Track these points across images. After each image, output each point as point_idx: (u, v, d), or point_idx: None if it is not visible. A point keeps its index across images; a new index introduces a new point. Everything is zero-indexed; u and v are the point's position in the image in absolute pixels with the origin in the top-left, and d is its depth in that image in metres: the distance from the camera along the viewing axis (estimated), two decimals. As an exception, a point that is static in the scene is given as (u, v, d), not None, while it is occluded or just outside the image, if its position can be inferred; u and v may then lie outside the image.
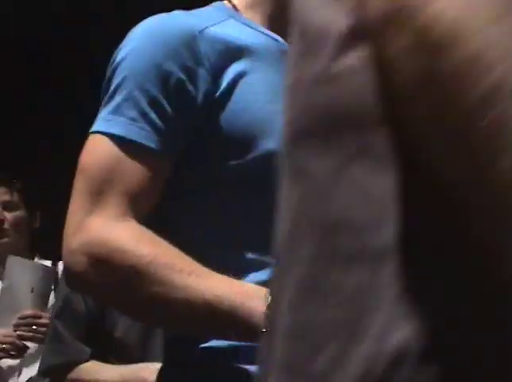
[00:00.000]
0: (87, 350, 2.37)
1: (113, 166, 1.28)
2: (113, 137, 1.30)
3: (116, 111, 1.31)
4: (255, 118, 1.33)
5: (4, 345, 2.87)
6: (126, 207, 1.26)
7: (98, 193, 1.27)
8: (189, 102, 1.31)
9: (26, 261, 2.99)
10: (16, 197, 3.35)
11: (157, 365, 1.54)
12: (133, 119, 1.29)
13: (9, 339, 2.87)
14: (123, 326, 2.33)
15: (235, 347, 1.27)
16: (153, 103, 1.30)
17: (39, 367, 2.56)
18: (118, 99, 1.32)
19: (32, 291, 2.87)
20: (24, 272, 2.87)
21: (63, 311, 2.41)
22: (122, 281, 1.22)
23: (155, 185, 1.30)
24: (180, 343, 1.34)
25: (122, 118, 1.30)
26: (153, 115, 1.30)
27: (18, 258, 2.98)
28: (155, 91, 1.30)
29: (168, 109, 1.30)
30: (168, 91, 1.31)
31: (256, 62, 1.37)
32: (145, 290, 1.21)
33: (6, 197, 3.25)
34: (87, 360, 2.38)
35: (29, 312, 2.90)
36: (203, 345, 1.30)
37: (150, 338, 2.31)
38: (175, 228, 1.35)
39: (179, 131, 1.32)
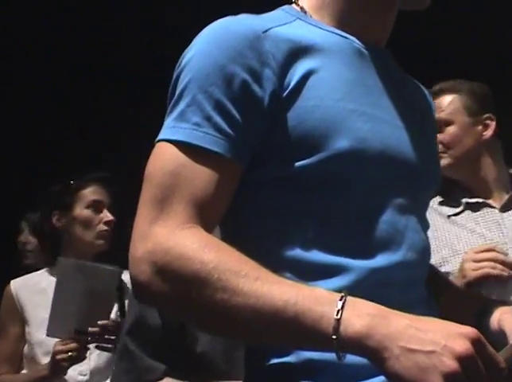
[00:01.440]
0: (161, 368, 2.22)
1: (178, 173, 1.24)
2: (177, 143, 1.26)
3: (180, 117, 1.28)
4: (326, 117, 1.28)
5: (69, 353, 2.79)
6: (191, 214, 1.23)
7: (164, 201, 1.23)
8: (255, 103, 1.27)
9: (79, 262, 2.85)
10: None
11: None
12: (197, 124, 1.26)
13: (73, 345, 2.79)
14: (206, 340, 2.20)
15: (311, 361, 1.23)
16: (218, 106, 1.26)
17: None
18: (182, 105, 1.29)
19: (87, 294, 2.75)
20: (77, 274, 2.76)
21: (135, 327, 2.25)
22: (186, 288, 1.18)
23: (222, 191, 1.26)
24: (255, 357, 1.30)
25: (185, 124, 1.27)
26: (217, 119, 1.26)
27: (71, 260, 2.88)
28: (219, 94, 1.27)
29: (234, 112, 1.27)
30: (232, 94, 1.27)
31: (326, 59, 1.33)
32: (210, 297, 1.16)
33: (107, 200, 3.21)
34: (161, 379, 2.23)
35: (101, 322, 2.80)
36: (277, 360, 1.26)
37: (235, 352, 2.17)
38: (238, 231, 1.32)
39: (245, 134, 1.27)
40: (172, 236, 1.20)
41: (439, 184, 1.51)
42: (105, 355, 2.91)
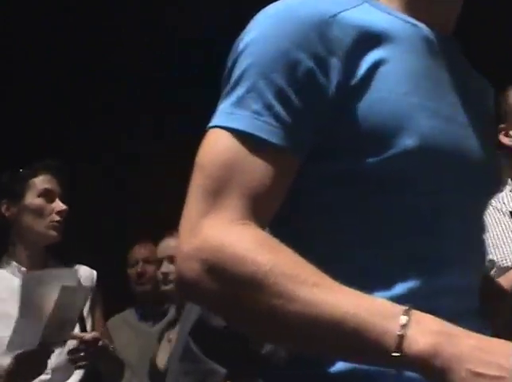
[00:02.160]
0: (222, 371, 2.14)
1: (233, 164, 1.15)
2: (234, 132, 1.16)
3: (238, 103, 1.18)
4: (393, 111, 1.19)
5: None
6: (245, 209, 1.14)
7: (216, 194, 1.14)
8: (319, 94, 1.18)
9: (43, 273, 2.73)
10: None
11: None
12: (257, 113, 1.16)
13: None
14: None
15: (363, 372, 1.14)
16: (280, 94, 1.17)
17: None
18: (240, 90, 1.18)
19: (54, 304, 2.62)
20: (42, 285, 2.63)
21: (198, 327, 2.17)
22: (238, 291, 1.09)
23: (279, 186, 1.17)
24: (302, 366, 1.20)
25: (244, 112, 1.17)
26: (279, 108, 1.16)
27: (34, 273, 2.74)
28: (282, 82, 1.17)
29: (297, 102, 1.17)
30: (296, 82, 1.17)
31: (394, 49, 1.23)
32: (263, 301, 1.08)
33: (59, 189, 3.05)
34: None
35: (84, 336, 2.74)
36: (326, 370, 1.18)
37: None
38: (291, 228, 1.23)
39: (308, 127, 1.18)
40: (223, 233, 1.12)
41: (500, 184, 1.44)
42: (65, 353, 2.79)
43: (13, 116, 4.90)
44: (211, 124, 1.20)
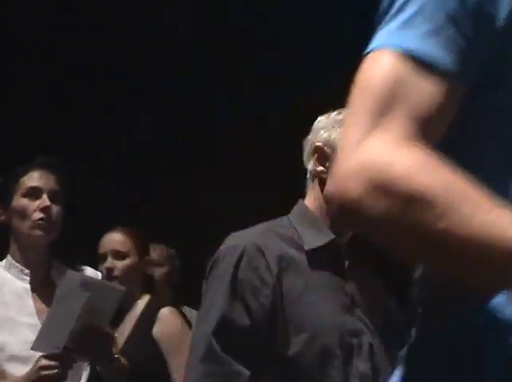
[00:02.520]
0: (246, 374, 2.02)
1: (400, 85, 1.09)
2: (402, 51, 1.10)
3: (406, 24, 1.11)
4: None
5: (56, 370, 2.51)
6: (412, 131, 1.08)
7: (381, 114, 1.08)
8: (490, 22, 1.12)
9: (87, 278, 2.64)
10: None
11: None
12: (427, 33, 1.10)
13: (59, 362, 2.52)
14: (299, 343, 2.05)
15: None
16: (451, 17, 1.11)
17: None
18: (408, 11, 1.12)
19: (85, 311, 2.49)
20: (81, 289, 2.51)
21: (221, 325, 2.04)
22: (408, 212, 1.02)
23: (446, 110, 1.10)
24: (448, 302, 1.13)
25: (414, 31, 1.10)
26: (451, 32, 1.11)
27: (78, 274, 2.64)
28: (453, 4, 1.12)
29: (468, 27, 1.11)
30: (468, 7, 1.12)
31: None
32: (434, 222, 1.01)
33: (52, 186, 2.84)
34: None
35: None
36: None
37: (331, 360, 2.06)
38: (461, 156, 1.14)
39: (478, 54, 1.12)
40: (391, 152, 1.06)
41: None
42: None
43: (13, 116, 4.90)
44: (371, 47, 1.14)
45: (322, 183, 2.16)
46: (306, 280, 2.09)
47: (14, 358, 2.58)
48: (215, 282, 2.11)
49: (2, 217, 2.79)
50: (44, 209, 2.71)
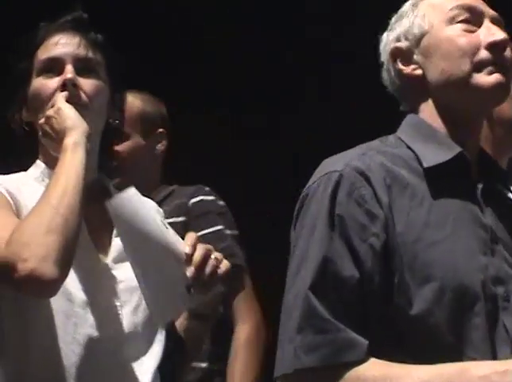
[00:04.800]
0: (363, 344, 1.52)
1: None
2: None
3: None
4: None
5: None
6: None
7: None
8: None
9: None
10: None
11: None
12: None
13: None
14: (425, 297, 1.54)
15: None
16: None
17: (279, 369, 1.57)
18: None
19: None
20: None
21: (320, 279, 1.54)
22: None
23: None
24: None
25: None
26: None
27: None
28: None
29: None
30: None
31: None
32: None
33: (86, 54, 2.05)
34: (364, 360, 1.51)
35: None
36: None
37: (469, 318, 1.55)
38: None
39: None
40: None
41: None
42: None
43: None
44: None
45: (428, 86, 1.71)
46: (427, 211, 1.58)
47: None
48: (306, 224, 1.61)
49: (26, 116, 1.92)
50: (65, 85, 1.84)
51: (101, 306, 1.82)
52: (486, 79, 1.66)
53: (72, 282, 1.79)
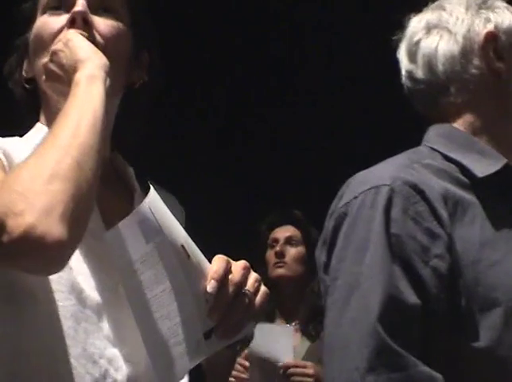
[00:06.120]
0: (439, 377, 1.37)
1: None
2: None
3: None
4: None
5: None
6: None
7: None
8: None
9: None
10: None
11: None
12: None
13: None
14: (492, 325, 1.39)
15: None
16: None
17: None
18: None
19: None
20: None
21: (388, 308, 1.36)
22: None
23: None
24: None
25: None
26: None
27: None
28: None
29: None
30: None
31: None
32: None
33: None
34: None
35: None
36: None
37: None
38: None
39: None
40: None
41: None
42: None
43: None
44: None
45: (488, 87, 1.55)
46: (480, 227, 1.42)
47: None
48: (352, 246, 1.41)
49: (27, 70, 1.48)
50: (74, 22, 1.41)
51: (116, 311, 1.35)
52: None
53: (83, 276, 1.34)
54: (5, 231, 1.13)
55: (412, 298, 1.35)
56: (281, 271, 3.41)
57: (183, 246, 1.28)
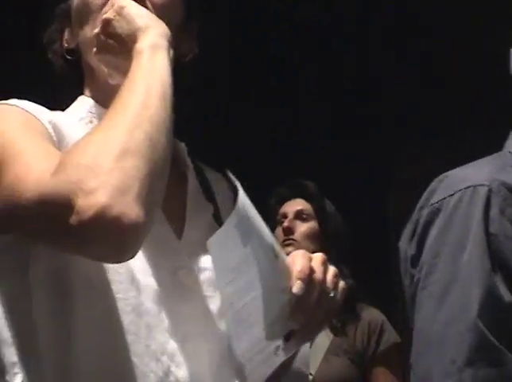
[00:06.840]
0: None
1: None
2: None
3: None
4: None
5: None
6: None
7: None
8: None
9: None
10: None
11: None
12: None
13: None
14: None
15: None
16: None
17: None
18: None
19: None
20: None
21: (487, 304, 1.38)
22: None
23: None
24: None
25: None
26: None
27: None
28: None
29: None
30: None
31: None
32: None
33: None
34: None
35: None
36: None
37: None
38: None
39: None
40: None
41: None
42: None
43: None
44: None
45: None
46: None
47: None
48: (448, 243, 1.42)
49: (69, 39, 1.40)
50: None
51: (175, 302, 1.24)
52: None
53: (140, 262, 1.21)
54: (73, 212, 1.01)
55: (508, 296, 1.37)
56: (289, 250, 2.67)
57: (272, 245, 1.17)
